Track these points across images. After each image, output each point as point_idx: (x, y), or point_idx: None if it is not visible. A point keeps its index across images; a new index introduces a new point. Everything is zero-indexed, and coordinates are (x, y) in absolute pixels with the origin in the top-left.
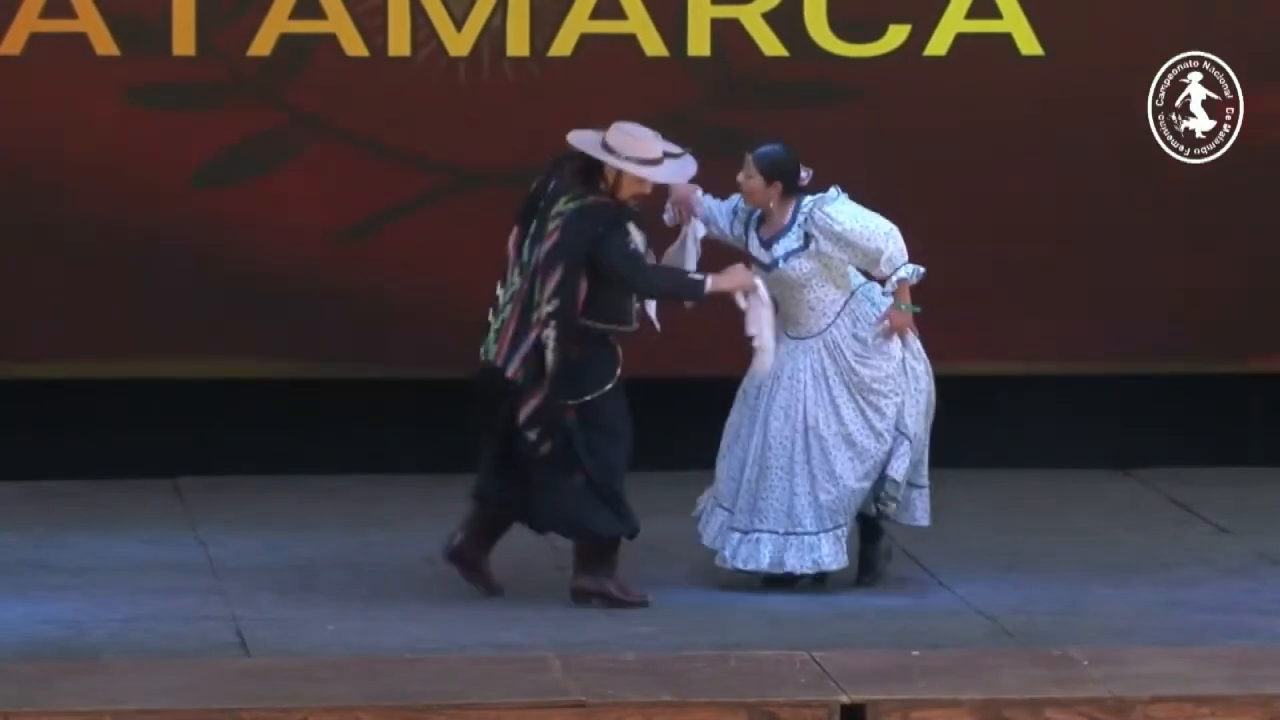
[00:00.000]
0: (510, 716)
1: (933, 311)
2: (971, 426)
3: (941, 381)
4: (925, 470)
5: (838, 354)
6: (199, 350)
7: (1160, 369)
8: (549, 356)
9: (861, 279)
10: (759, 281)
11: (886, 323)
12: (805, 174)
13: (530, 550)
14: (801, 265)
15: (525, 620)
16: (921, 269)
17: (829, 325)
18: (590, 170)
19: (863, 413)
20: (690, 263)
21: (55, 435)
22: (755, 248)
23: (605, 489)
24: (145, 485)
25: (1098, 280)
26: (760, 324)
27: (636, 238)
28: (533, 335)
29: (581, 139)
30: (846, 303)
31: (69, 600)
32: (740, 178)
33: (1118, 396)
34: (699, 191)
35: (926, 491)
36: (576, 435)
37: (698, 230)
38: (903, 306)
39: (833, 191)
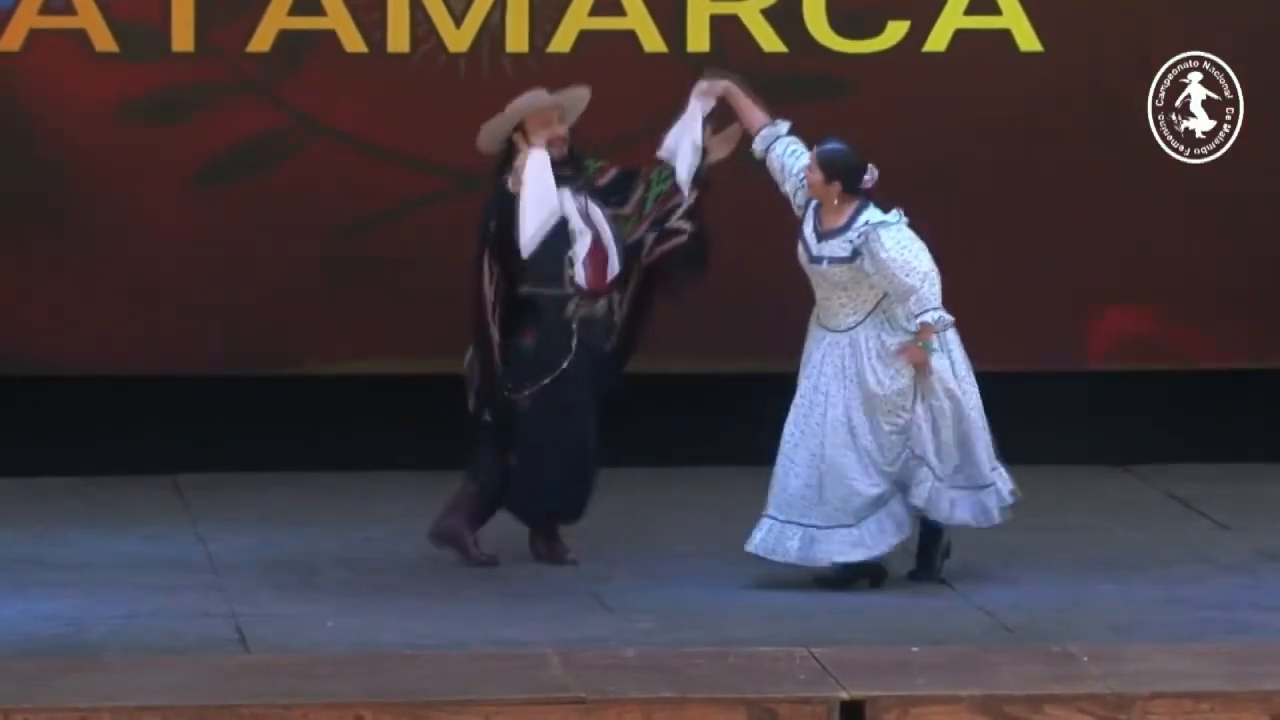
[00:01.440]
0: (510, 713)
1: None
2: None
3: None
4: (973, 472)
5: (860, 354)
6: (199, 348)
7: (1159, 366)
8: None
9: None
10: (537, 154)
11: (904, 353)
12: (869, 176)
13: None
14: (841, 274)
15: (525, 617)
16: (951, 319)
17: (858, 324)
18: (509, 153)
19: (870, 419)
20: (684, 140)
21: (55, 432)
22: (809, 231)
23: (535, 471)
24: (145, 482)
25: (1096, 279)
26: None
27: (565, 204)
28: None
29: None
30: (879, 303)
31: (69, 597)
32: (806, 169)
33: (1117, 393)
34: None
35: (983, 492)
36: (526, 419)
37: (695, 113)
38: (920, 344)
39: (894, 214)
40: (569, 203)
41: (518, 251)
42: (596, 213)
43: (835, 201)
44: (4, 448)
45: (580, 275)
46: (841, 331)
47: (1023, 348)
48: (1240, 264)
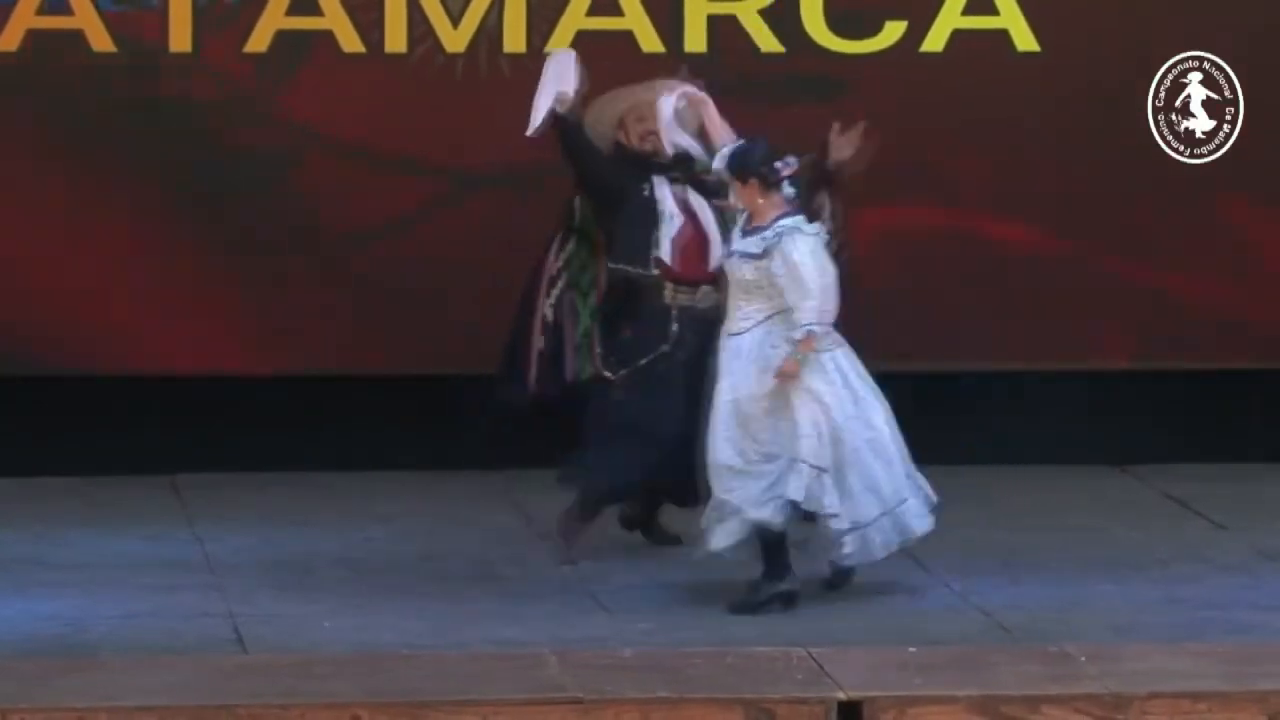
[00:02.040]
0: (508, 713)
1: (929, 308)
2: (968, 423)
3: (938, 379)
4: (861, 509)
5: (744, 358)
6: (200, 348)
7: (1159, 366)
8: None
9: None
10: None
11: (782, 366)
12: (784, 163)
13: (530, 545)
14: (746, 271)
15: (523, 617)
16: (841, 339)
17: (748, 330)
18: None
19: (746, 427)
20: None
21: (55, 432)
22: (736, 230)
23: (604, 449)
24: (143, 482)
25: (1095, 279)
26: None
27: (659, 189)
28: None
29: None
30: (770, 317)
31: (67, 597)
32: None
33: (1116, 393)
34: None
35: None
36: (615, 405)
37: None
38: (798, 357)
39: (814, 226)
40: (663, 188)
41: (614, 220)
42: (698, 202)
43: (760, 201)
44: (4, 448)
45: (667, 254)
46: (733, 335)
47: (1022, 348)
48: (1240, 264)
